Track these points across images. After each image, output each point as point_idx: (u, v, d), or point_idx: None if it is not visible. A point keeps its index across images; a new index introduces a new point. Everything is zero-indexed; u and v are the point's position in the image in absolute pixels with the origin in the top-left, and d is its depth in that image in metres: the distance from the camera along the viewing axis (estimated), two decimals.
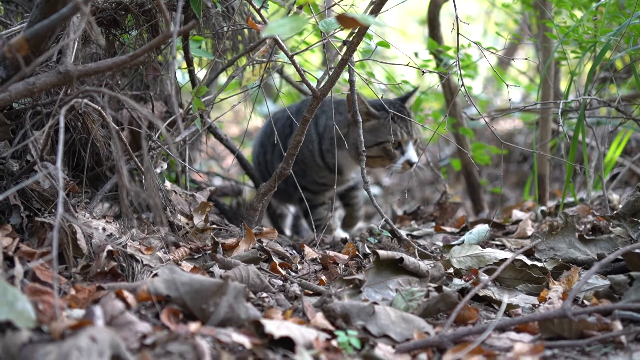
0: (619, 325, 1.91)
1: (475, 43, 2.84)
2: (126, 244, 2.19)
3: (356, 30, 2.35)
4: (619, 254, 2.12)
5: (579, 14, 3.44)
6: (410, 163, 3.07)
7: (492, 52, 2.95)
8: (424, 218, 3.49)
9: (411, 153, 3.08)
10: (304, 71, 2.53)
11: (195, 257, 2.47)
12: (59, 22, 1.86)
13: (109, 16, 2.59)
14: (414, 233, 3.10)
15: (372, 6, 2.36)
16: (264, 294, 2.14)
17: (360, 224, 4.09)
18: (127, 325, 1.65)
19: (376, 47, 2.80)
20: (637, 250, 2.34)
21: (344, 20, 1.75)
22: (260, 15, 2.28)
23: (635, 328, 1.94)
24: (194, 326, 1.70)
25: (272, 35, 1.90)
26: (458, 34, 2.62)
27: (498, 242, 2.90)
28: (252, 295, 2.09)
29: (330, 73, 2.49)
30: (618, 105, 3.17)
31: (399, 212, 3.86)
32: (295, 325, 1.81)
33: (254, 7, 2.25)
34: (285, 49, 2.30)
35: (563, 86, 4.09)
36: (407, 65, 2.74)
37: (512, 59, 2.80)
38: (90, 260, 2.11)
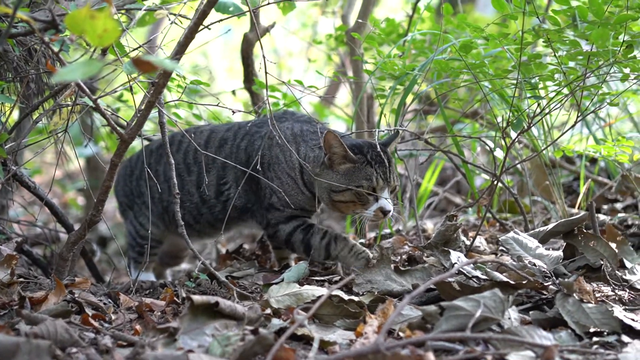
0: (431, 357, 1.94)
1: (281, 81, 2.86)
2: None
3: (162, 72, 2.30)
4: (429, 284, 2.17)
5: (389, 49, 3.54)
6: (383, 211, 2.84)
7: (298, 89, 2.98)
8: (246, 257, 3.46)
9: (386, 201, 2.85)
10: (112, 113, 2.46)
11: (0, 314, 2.33)
12: None
13: None
14: (235, 274, 3.05)
15: (177, 47, 2.32)
16: (74, 349, 2.04)
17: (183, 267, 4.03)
18: None
19: (186, 87, 2.76)
20: (449, 279, 2.41)
21: (140, 64, 1.71)
22: (59, 59, 2.19)
23: (447, 358, 1.98)
24: None
25: (63, 80, 1.83)
26: (266, 73, 2.63)
27: (318, 278, 2.91)
28: (59, 352, 1.98)
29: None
30: (428, 137, 3.27)
31: (223, 251, 3.81)
32: None
33: (52, 50, 2.16)
34: (88, 92, 2.22)
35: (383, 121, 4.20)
36: (218, 105, 2.72)
37: (321, 96, 2.85)
38: None
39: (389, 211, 2.85)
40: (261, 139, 2.99)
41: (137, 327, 2.34)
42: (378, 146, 2.89)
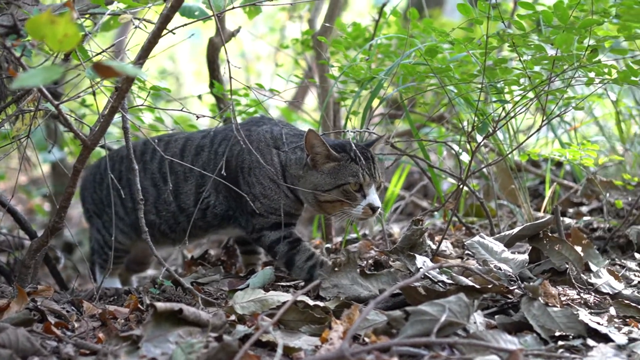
0: None
1: (245, 86, 2.85)
2: None
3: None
4: (395, 289, 2.17)
5: (354, 54, 3.53)
6: (372, 208, 2.78)
7: (262, 94, 2.97)
8: (212, 262, 3.43)
9: (374, 197, 2.79)
10: (76, 119, 2.43)
11: None
12: None
13: None
14: (200, 280, 3.02)
15: (140, 52, 2.30)
16: (35, 358, 2.01)
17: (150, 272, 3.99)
18: None
19: (149, 92, 2.73)
20: (414, 284, 2.41)
21: (101, 70, 1.69)
22: (21, 64, 2.15)
23: None
24: None
25: (24, 86, 1.80)
26: (230, 77, 2.62)
27: (284, 283, 2.89)
28: None
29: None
30: (394, 141, 3.27)
31: (189, 257, 3.78)
32: None
33: (14, 55, 2.13)
34: (50, 97, 2.18)
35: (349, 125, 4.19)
36: (182, 110, 2.70)
37: (287, 100, 2.84)
38: None
39: (378, 207, 2.80)
40: (239, 144, 2.94)
41: (101, 335, 2.31)
42: (360, 145, 2.87)
